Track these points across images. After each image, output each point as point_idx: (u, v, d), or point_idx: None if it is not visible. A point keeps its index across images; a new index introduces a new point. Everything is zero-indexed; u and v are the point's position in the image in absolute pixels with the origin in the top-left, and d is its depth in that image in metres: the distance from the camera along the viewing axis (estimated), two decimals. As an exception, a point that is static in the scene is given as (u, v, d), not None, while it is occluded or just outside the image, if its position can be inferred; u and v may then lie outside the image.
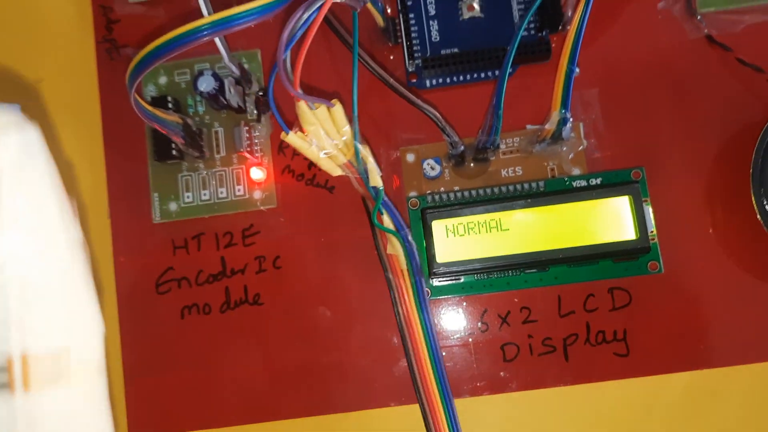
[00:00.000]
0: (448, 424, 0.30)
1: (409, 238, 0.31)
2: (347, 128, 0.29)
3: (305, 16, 0.25)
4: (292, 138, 0.28)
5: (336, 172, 0.30)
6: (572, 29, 0.29)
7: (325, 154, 0.29)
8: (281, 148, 0.35)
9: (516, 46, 0.31)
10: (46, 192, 0.24)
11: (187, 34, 0.25)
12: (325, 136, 0.28)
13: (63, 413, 0.17)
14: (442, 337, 0.33)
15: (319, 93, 0.34)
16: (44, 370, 0.17)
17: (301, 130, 0.28)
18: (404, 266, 0.31)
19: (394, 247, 0.31)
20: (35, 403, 0.16)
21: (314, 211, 0.34)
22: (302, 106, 0.27)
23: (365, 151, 0.30)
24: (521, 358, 0.33)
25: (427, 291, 0.32)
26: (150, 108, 0.29)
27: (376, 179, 0.30)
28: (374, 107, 0.35)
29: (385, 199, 0.31)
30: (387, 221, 0.31)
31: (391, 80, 0.31)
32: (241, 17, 0.26)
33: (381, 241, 0.32)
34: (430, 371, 0.30)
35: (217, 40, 0.28)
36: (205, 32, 0.25)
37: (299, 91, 0.26)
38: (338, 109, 0.28)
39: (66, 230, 0.23)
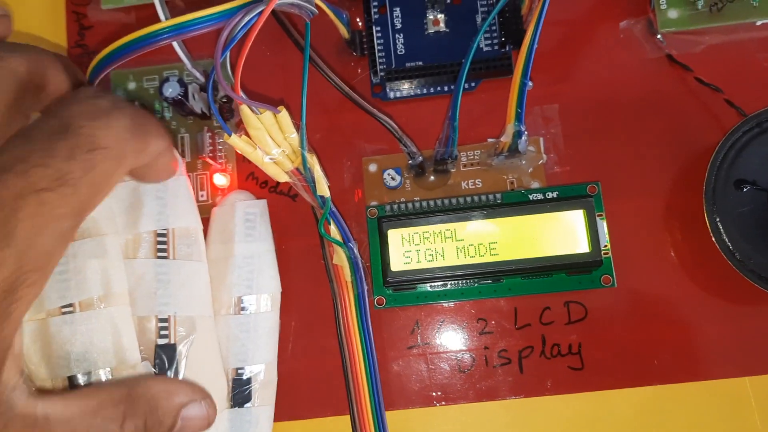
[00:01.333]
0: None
1: (355, 250, 0.32)
2: (294, 135, 0.29)
3: (245, 19, 0.25)
4: (235, 140, 0.28)
5: (282, 178, 0.31)
6: (525, 43, 0.30)
7: (271, 159, 0.29)
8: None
9: (471, 56, 0.31)
10: None
11: (146, 38, 0.26)
12: (271, 142, 0.29)
13: (268, 325, 0.32)
14: (397, 347, 0.34)
15: (278, 102, 0.35)
16: (264, 303, 0.32)
17: (247, 134, 0.29)
18: (349, 278, 0.32)
19: (340, 258, 0.32)
20: (258, 319, 0.32)
21: (276, 218, 0.35)
22: (245, 110, 0.27)
23: (312, 159, 0.30)
24: (476, 369, 0.33)
25: (382, 299, 0.32)
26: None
27: (323, 188, 0.31)
28: (340, 117, 0.35)
29: (333, 208, 0.32)
30: (334, 231, 0.31)
31: (346, 89, 0.31)
32: (199, 22, 0.26)
33: (328, 251, 0.32)
34: (365, 386, 0.31)
35: (176, 46, 0.29)
36: (163, 36, 0.26)
37: (240, 94, 0.26)
38: (284, 115, 0.28)
39: None
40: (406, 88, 0.35)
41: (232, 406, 0.31)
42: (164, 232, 0.30)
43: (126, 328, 0.29)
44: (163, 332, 0.29)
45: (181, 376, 0.29)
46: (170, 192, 0.31)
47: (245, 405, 0.31)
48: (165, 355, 0.29)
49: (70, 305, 0.28)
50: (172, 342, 0.29)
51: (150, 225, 0.30)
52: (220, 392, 0.31)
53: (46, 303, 0.28)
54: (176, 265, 0.30)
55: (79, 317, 0.28)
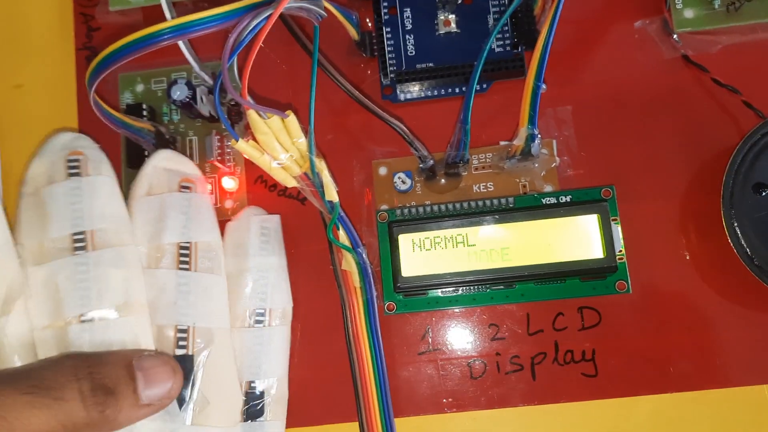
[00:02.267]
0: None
1: (364, 255, 0.31)
2: (302, 140, 0.29)
3: (253, 23, 0.25)
4: (242, 146, 0.28)
5: (290, 183, 0.30)
6: (539, 46, 0.29)
7: (278, 164, 0.29)
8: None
9: (483, 60, 0.31)
10: None
11: (147, 38, 0.26)
12: (279, 146, 0.28)
13: (280, 338, 0.32)
14: (408, 353, 0.33)
15: (287, 107, 0.34)
16: (277, 317, 0.32)
17: (254, 139, 0.28)
18: (358, 284, 0.31)
19: (349, 264, 0.31)
20: (272, 333, 0.32)
21: (285, 222, 0.34)
22: (252, 115, 0.27)
23: (320, 164, 0.30)
24: (488, 375, 0.33)
25: (393, 305, 0.32)
26: (112, 111, 0.30)
27: (331, 193, 0.30)
28: (350, 120, 0.35)
29: (342, 213, 0.31)
30: (343, 236, 0.31)
31: (355, 92, 0.31)
32: (203, 23, 0.26)
33: (337, 257, 0.32)
34: (374, 392, 0.30)
35: (183, 47, 0.28)
36: (165, 37, 0.26)
37: (248, 99, 0.26)
38: (292, 119, 0.28)
39: None
40: (416, 89, 0.34)
41: (245, 420, 0.31)
42: (187, 245, 0.31)
43: (145, 338, 0.29)
44: (181, 342, 0.30)
45: (197, 388, 0.29)
46: (194, 207, 0.31)
47: (258, 419, 0.31)
48: (182, 365, 0.29)
49: (90, 313, 0.28)
50: (190, 353, 0.30)
51: (174, 237, 0.30)
52: (236, 405, 0.31)
53: (65, 311, 0.28)
54: (197, 277, 0.30)
55: (98, 325, 0.28)
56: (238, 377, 0.31)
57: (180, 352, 0.29)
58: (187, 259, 0.30)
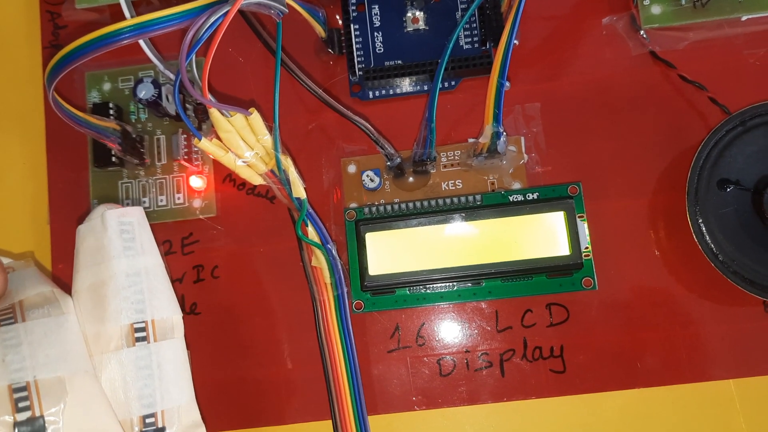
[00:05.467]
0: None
1: (334, 251, 0.31)
2: (267, 137, 0.29)
3: (210, 20, 0.25)
4: (205, 144, 0.28)
5: (256, 180, 0.30)
6: (501, 43, 0.29)
7: (244, 162, 0.29)
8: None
9: (448, 54, 0.30)
10: None
11: (106, 36, 0.25)
12: (244, 144, 0.28)
13: (173, 356, 0.27)
14: (377, 351, 0.33)
15: (250, 104, 0.34)
16: (162, 329, 0.27)
17: (218, 137, 0.28)
18: (328, 280, 0.31)
19: (319, 260, 0.31)
20: (160, 350, 0.26)
21: (254, 220, 0.34)
22: (215, 113, 0.27)
23: (286, 161, 0.30)
24: (457, 372, 0.33)
25: (360, 304, 0.32)
26: (74, 110, 0.29)
27: (299, 190, 0.30)
28: (319, 118, 0.35)
29: (310, 210, 0.31)
30: (312, 233, 0.31)
31: (320, 91, 0.31)
32: (162, 21, 0.26)
33: (307, 253, 0.32)
34: (347, 388, 0.30)
35: (144, 46, 0.28)
36: (125, 35, 0.25)
37: (208, 98, 0.26)
38: (256, 117, 0.28)
39: None
40: (385, 87, 0.34)
41: None
42: (7, 308, 0.25)
43: None
44: (21, 404, 0.24)
45: None
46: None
47: None
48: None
49: None
50: (37, 414, 0.24)
51: None
52: None
53: None
54: (28, 327, 0.25)
55: None
56: (124, 414, 0.26)
57: (23, 416, 0.23)
58: (9, 314, 0.25)
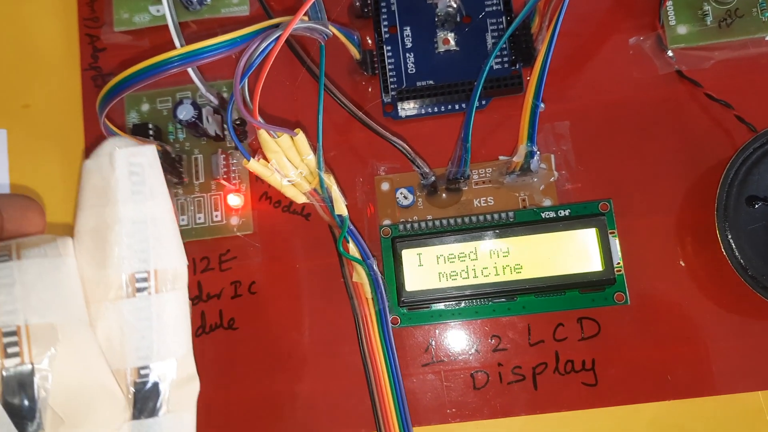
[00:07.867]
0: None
1: (374, 266, 0.32)
2: (311, 157, 0.29)
3: (262, 46, 0.25)
4: (254, 165, 0.29)
5: (300, 199, 0.31)
6: (537, 66, 0.30)
7: (289, 181, 0.29)
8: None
9: (483, 78, 0.31)
10: None
11: (157, 66, 0.26)
12: (289, 164, 0.29)
13: (174, 307, 0.25)
14: (412, 365, 0.34)
15: (294, 125, 0.35)
16: (165, 280, 0.25)
17: (264, 157, 0.29)
18: (369, 294, 0.32)
19: (360, 276, 0.32)
20: (161, 301, 0.25)
21: (290, 237, 0.35)
22: (263, 135, 0.28)
23: (329, 180, 0.30)
24: (491, 386, 0.33)
25: (397, 319, 0.33)
26: (120, 133, 0.30)
27: (341, 207, 0.31)
28: (353, 137, 0.36)
29: (351, 227, 0.32)
30: (353, 249, 0.32)
31: (356, 111, 0.31)
32: (210, 50, 0.27)
33: (348, 269, 0.33)
34: (391, 400, 0.31)
35: (190, 71, 0.29)
36: (175, 64, 0.26)
37: (258, 119, 0.27)
38: (301, 137, 0.29)
39: None
40: (417, 107, 0.35)
41: (137, 417, 0.24)
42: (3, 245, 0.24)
43: None
44: (10, 349, 0.22)
45: (50, 402, 0.22)
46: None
47: (159, 413, 0.25)
48: (18, 380, 0.22)
49: None
50: (27, 361, 0.22)
51: None
52: (114, 405, 0.24)
53: None
54: (23, 266, 0.23)
55: None
56: (119, 365, 0.24)
57: (12, 362, 0.22)
58: (4, 251, 0.23)
